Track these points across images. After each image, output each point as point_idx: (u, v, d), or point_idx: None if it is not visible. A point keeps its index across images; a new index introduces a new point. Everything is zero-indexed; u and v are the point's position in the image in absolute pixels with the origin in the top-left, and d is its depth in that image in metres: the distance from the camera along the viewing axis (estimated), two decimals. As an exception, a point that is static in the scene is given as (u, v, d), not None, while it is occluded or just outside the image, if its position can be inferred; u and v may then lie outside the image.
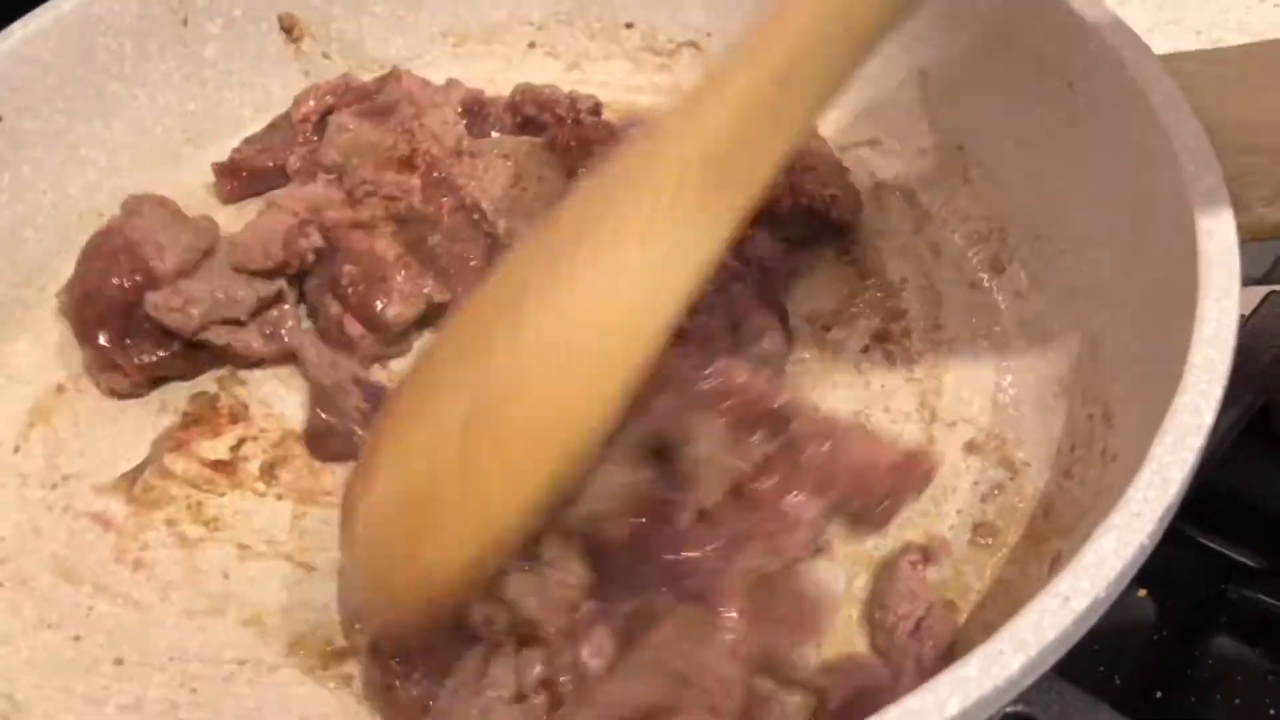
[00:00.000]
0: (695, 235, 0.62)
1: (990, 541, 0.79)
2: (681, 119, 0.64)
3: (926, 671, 0.71)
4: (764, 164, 0.64)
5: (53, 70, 1.01)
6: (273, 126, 1.10)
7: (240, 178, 1.07)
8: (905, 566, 0.77)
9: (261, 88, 1.13)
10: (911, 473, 0.77)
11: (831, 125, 1.06)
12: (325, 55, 1.14)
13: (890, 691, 0.70)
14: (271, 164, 1.06)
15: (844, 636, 0.76)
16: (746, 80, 0.63)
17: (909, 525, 0.80)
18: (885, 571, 0.78)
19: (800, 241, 0.95)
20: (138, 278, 0.92)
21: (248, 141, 1.09)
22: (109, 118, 1.06)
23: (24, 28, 0.99)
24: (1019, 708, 0.72)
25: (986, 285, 0.93)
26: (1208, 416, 0.63)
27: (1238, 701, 0.83)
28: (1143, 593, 0.89)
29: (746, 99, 0.63)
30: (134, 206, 0.97)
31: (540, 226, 0.65)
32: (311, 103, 1.07)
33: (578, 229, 0.63)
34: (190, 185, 1.07)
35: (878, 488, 0.77)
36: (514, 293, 0.63)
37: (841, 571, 0.79)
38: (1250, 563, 0.90)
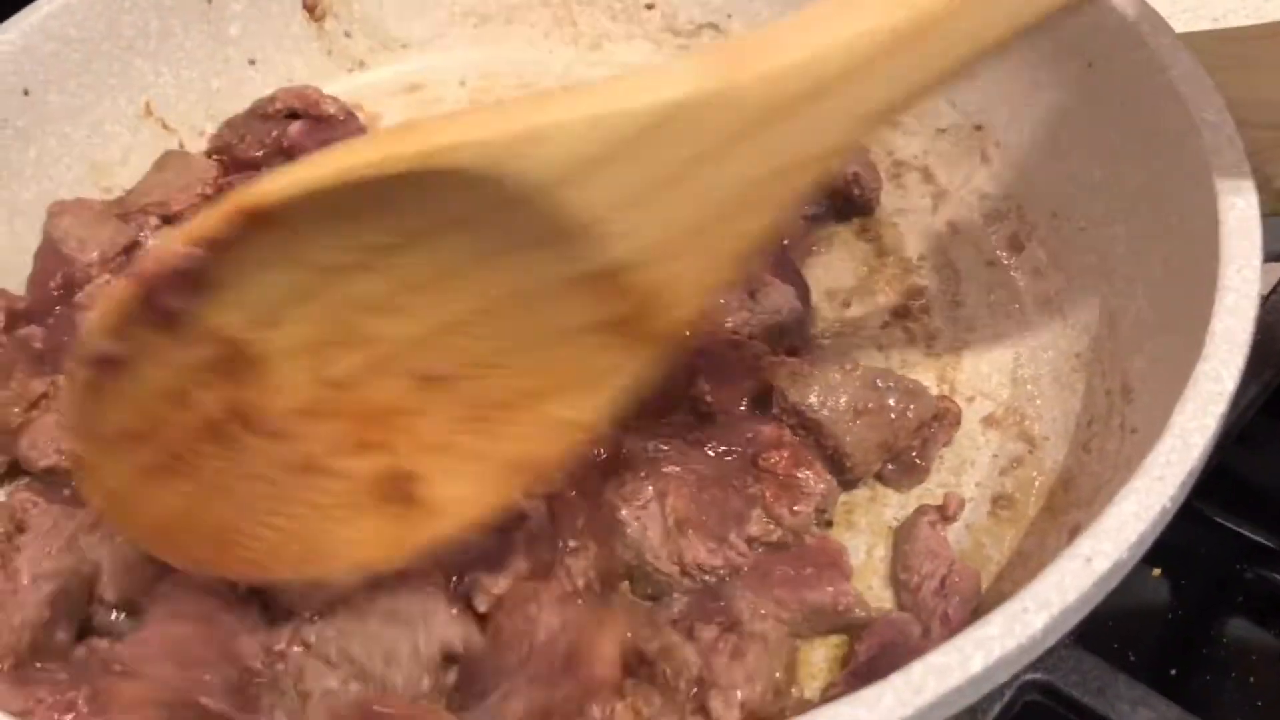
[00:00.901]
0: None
1: (1009, 514, 0.80)
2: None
3: (954, 627, 0.71)
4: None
5: (79, 45, 1.02)
6: (252, 113, 1.10)
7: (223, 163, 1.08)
8: (924, 527, 0.77)
9: (284, 66, 1.13)
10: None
11: (851, 105, 1.07)
12: (347, 34, 1.15)
13: (919, 646, 0.71)
14: (249, 153, 1.06)
15: (873, 600, 0.77)
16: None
17: (928, 497, 0.81)
18: (904, 534, 0.79)
19: (820, 218, 0.96)
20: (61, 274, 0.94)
21: (230, 125, 1.10)
22: (134, 94, 1.07)
23: (51, 3, 1.00)
24: (1038, 675, 0.73)
25: (1005, 263, 0.94)
26: (1229, 384, 0.64)
27: (1252, 681, 0.84)
28: (1157, 572, 0.89)
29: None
30: (55, 210, 0.98)
31: None
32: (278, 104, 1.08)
33: None
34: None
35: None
36: None
37: (862, 542, 0.79)
38: (1266, 543, 0.90)
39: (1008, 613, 0.57)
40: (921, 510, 0.79)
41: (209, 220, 0.52)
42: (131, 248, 0.97)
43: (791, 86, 0.51)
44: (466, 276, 0.54)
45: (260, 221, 0.51)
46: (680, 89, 0.50)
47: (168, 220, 0.99)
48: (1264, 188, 0.76)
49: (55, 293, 0.94)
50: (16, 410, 0.86)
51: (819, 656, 0.75)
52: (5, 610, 0.70)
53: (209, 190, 1.02)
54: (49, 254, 0.96)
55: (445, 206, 0.51)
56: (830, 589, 0.74)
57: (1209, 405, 0.63)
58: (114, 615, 0.74)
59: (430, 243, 0.52)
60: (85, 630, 0.74)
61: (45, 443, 0.84)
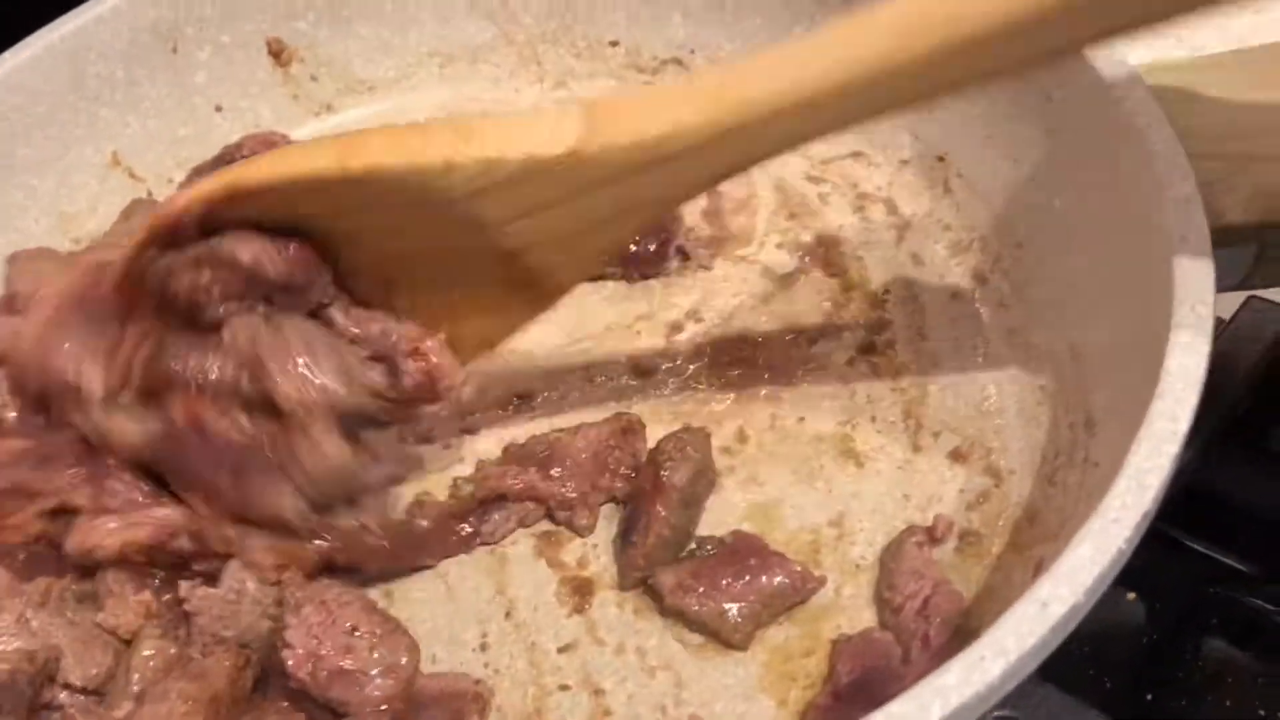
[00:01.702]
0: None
1: (975, 549, 0.80)
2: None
3: (935, 650, 0.72)
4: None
5: (44, 98, 1.03)
6: (220, 160, 1.09)
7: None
8: (911, 547, 0.78)
9: (251, 111, 1.14)
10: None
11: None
12: (313, 78, 1.15)
13: (900, 669, 0.71)
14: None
15: (853, 620, 0.78)
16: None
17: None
18: (891, 553, 0.79)
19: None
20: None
21: (197, 172, 1.09)
22: (100, 143, 1.07)
23: (15, 56, 1.01)
24: (1005, 712, 0.73)
25: (969, 295, 0.94)
26: (1183, 424, 0.64)
27: (1228, 704, 0.84)
28: (1131, 596, 0.89)
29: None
30: (14, 258, 0.99)
31: None
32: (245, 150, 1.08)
33: None
34: (182, 209, 1.08)
35: None
36: None
37: (831, 581, 0.79)
38: (1238, 566, 0.90)
39: (965, 661, 0.57)
40: (910, 531, 0.80)
41: (206, 188, 0.71)
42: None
43: (638, 157, 0.66)
44: (407, 232, 0.72)
45: (245, 194, 0.70)
46: (548, 148, 0.66)
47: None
48: (1219, 217, 0.77)
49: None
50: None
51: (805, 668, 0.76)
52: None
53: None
54: (5, 303, 0.96)
55: (385, 194, 0.69)
56: (780, 571, 0.77)
57: (1163, 445, 0.63)
58: (80, 698, 0.73)
59: (378, 208, 0.70)
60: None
61: None
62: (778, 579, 0.77)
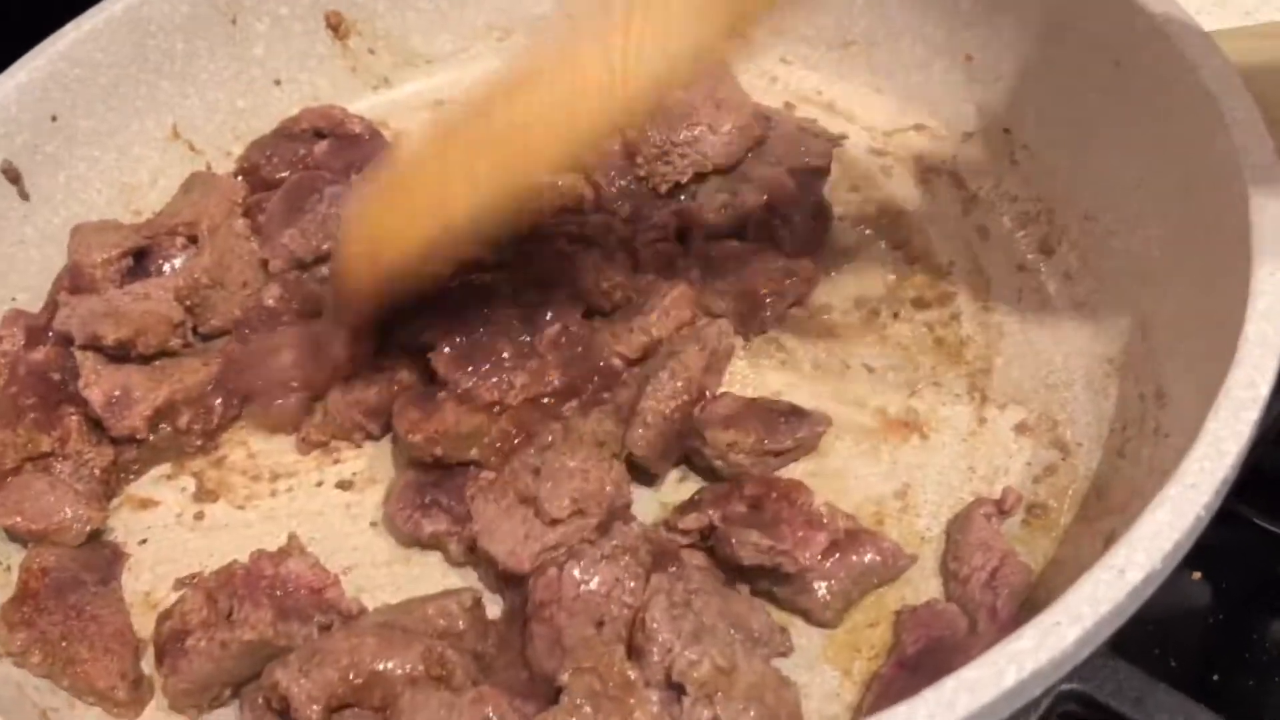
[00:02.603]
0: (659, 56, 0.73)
1: (1043, 522, 0.79)
2: None
3: (1002, 622, 0.71)
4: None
5: (105, 70, 1.03)
6: (279, 134, 1.10)
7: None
8: (979, 519, 0.77)
9: (309, 84, 1.14)
10: None
11: (878, 111, 1.06)
12: (371, 51, 1.15)
13: (965, 643, 0.70)
14: (276, 174, 1.06)
15: (918, 592, 0.77)
16: None
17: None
18: (958, 525, 0.78)
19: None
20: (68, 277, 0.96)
21: (256, 145, 1.10)
22: (161, 115, 1.08)
23: (77, 29, 1.01)
24: (1074, 685, 0.71)
25: (1036, 267, 0.93)
26: (1263, 389, 0.63)
27: (1297, 685, 0.83)
28: (1197, 575, 0.88)
29: None
30: (75, 229, 0.99)
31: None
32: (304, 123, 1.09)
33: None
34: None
35: None
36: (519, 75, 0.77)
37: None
38: (1307, 547, 0.89)
39: (1040, 625, 0.56)
40: (978, 503, 0.79)
41: None
42: (139, 253, 0.97)
43: None
44: None
45: None
46: None
47: (193, 240, 0.99)
48: (1296, 186, 0.75)
49: (64, 297, 0.94)
50: (11, 456, 0.87)
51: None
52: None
53: (238, 208, 1.03)
54: (71, 272, 0.97)
55: None
56: (871, 548, 0.75)
57: (1242, 411, 0.62)
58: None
59: None
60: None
61: (14, 504, 0.84)
62: (868, 556, 0.76)
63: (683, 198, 0.99)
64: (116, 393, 0.89)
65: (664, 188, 0.98)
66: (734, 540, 0.74)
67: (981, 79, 1.00)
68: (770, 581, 0.76)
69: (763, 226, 0.95)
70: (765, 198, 0.96)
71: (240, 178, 1.07)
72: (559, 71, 0.75)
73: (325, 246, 0.96)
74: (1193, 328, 0.76)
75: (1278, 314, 0.66)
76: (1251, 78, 0.76)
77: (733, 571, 0.77)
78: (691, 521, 0.77)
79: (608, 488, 0.77)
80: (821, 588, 0.74)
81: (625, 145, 1.00)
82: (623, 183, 0.99)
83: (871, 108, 1.06)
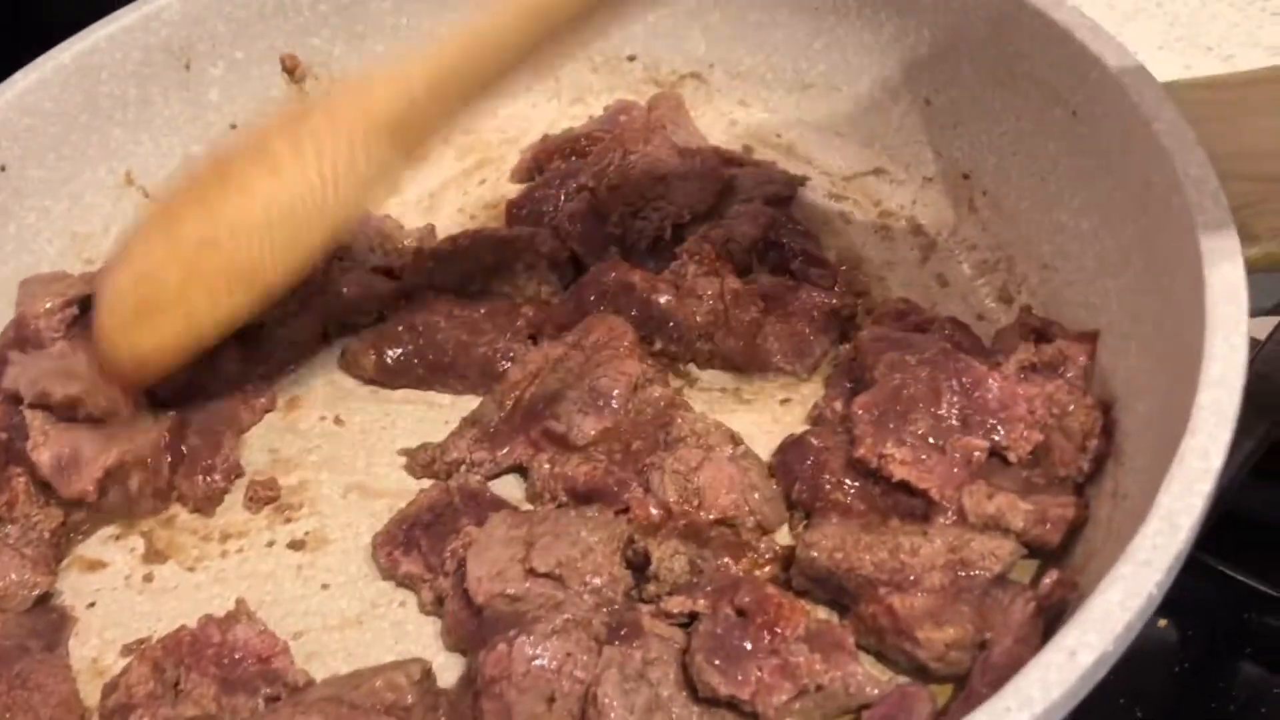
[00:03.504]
0: (361, 175, 0.83)
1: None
2: (374, 84, 0.84)
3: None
4: (426, 138, 0.86)
5: (55, 119, 1.02)
6: None
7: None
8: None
9: (265, 129, 1.12)
10: None
11: (836, 155, 1.06)
12: (327, 95, 1.13)
13: None
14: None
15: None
16: (435, 64, 0.82)
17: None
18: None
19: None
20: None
21: None
22: (114, 163, 1.06)
23: (25, 78, 1.00)
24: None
25: (995, 317, 0.92)
26: (1216, 460, 0.62)
27: (1265, 731, 0.82)
28: (1164, 623, 0.87)
29: (430, 81, 0.82)
30: (24, 282, 0.99)
31: (271, 125, 0.86)
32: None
33: (291, 144, 0.83)
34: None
35: None
36: (245, 167, 0.84)
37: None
38: (1273, 591, 0.88)
39: (990, 712, 0.55)
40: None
41: None
42: (83, 300, 0.95)
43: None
44: None
45: None
46: None
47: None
48: (1250, 242, 0.75)
49: (5, 352, 0.93)
50: None
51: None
52: None
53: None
54: (15, 324, 0.95)
55: None
56: (838, 673, 0.71)
57: (1195, 483, 0.61)
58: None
59: None
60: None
61: None
62: (836, 690, 0.71)
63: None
64: (65, 452, 0.87)
65: (643, 244, 0.97)
66: (694, 673, 0.71)
67: (940, 123, 1.00)
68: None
69: (782, 262, 0.95)
70: (759, 230, 0.95)
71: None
72: (257, 179, 0.83)
73: None
74: (1149, 386, 0.75)
75: (1231, 381, 0.65)
76: (1204, 133, 0.76)
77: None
78: (677, 604, 0.75)
79: (598, 578, 0.76)
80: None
81: (593, 207, 0.99)
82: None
83: (830, 151, 1.06)
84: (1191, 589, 0.79)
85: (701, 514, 0.79)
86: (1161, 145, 0.76)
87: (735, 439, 0.83)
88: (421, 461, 0.89)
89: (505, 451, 0.87)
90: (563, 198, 1.02)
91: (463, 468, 0.88)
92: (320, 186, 0.83)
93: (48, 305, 0.95)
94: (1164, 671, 0.87)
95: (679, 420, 0.84)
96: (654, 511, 0.80)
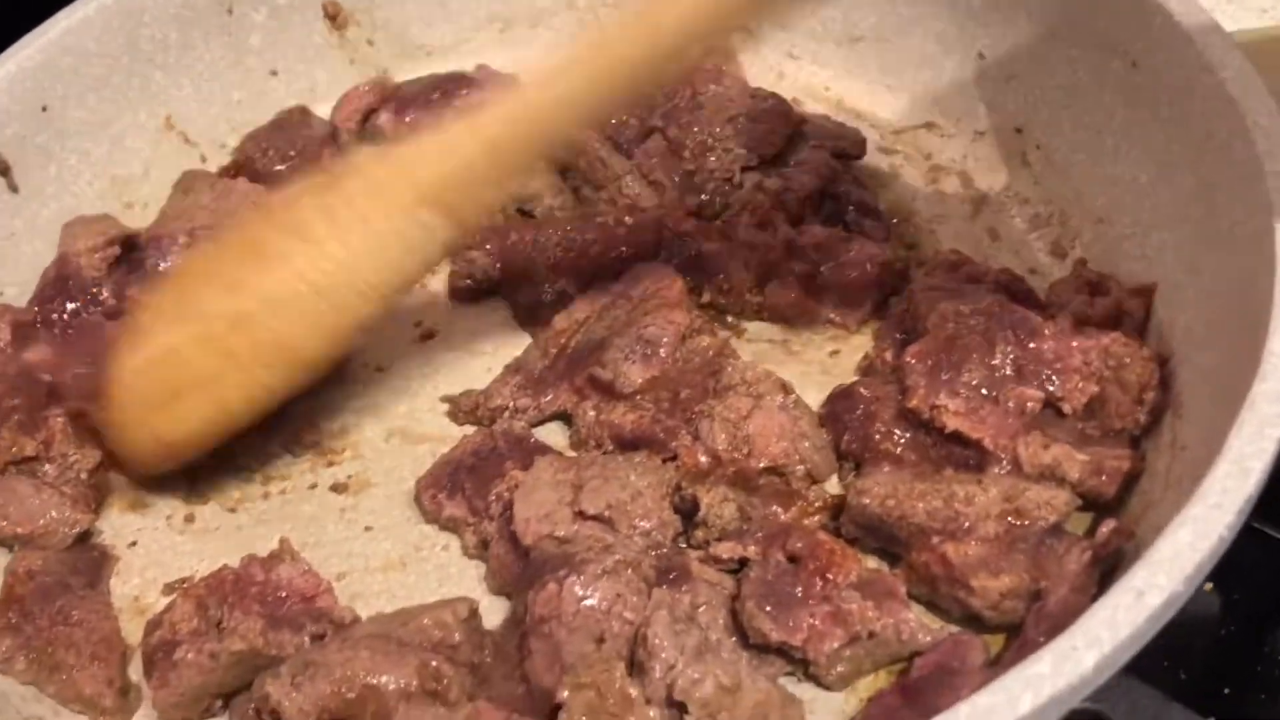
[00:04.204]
0: (406, 244, 0.80)
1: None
2: (421, 148, 0.80)
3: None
4: (477, 206, 0.83)
5: (97, 60, 1.01)
6: (276, 125, 1.09)
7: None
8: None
9: (306, 76, 1.12)
10: None
11: (886, 109, 1.04)
12: (370, 42, 1.13)
13: (974, 674, 0.68)
14: (276, 167, 1.06)
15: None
16: (492, 126, 0.78)
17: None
18: None
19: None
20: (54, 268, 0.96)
21: (252, 137, 1.08)
22: (154, 107, 1.05)
23: (69, 17, 0.99)
24: (1087, 704, 0.69)
25: (1048, 271, 0.91)
26: (1289, 404, 0.61)
27: (1309, 700, 0.81)
28: (1209, 587, 0.86)
29: (487, 143, 0.78)
30: (68, 224, 0.99)
31: (303, 193, 0.83)
32: (354, 104, 1.07)
33: (325, 213, 0.80)
34: (236, 174, 1.06)
35: None
36: (277, 238, 0.81)
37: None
38: (1319, 558, 0.87)
39: (1057, 650, 0.54)
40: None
41: None
42: (125, 240, 0.96)
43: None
44: None
45: None
46: None
47: (195, 240, 0.98)
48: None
49: (49, 291, 0.93)
50: None
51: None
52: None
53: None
54: (57, 264, 0.95)
55: None
56: (890, 620, 0.71)
57: (1267, 428, 0.60)
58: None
59: None
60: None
61: None
62: (889, 636, 0.71)
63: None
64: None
65: (711, 185, 0.96)
66: (745, 619, 0.71)
67: (993, 77, 0.98)
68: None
69: (837, 213, 0.94)
70: (819, 182, 0.94)
71: (233, 175, 1.05)
72: (293, 249, 0.79)
73: None
74: (1210, 337, 0.74)
75: (1303, 327, 0.64)
76: (1272, 82, 0.74)
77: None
78: (726, 550, 0.75)
79: (647, 522, 0.76)
80: (830, 673, 0.71)
81: (669, 142, 0.98)
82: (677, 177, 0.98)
83: (880, 105, 1.05)
84: (1237, 553, 0.78)
85: (751, 462, 0.79)
86: (1228, 94, 0.75)
87: (786, 387, 0.82)
88: (464, 407, 0.89)
89: (549, 398, 0.86)
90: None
91: (506, 414, 0.87)
92: (361, 256, 0.79)
93: (89, 244, 0.94)
94: (1208, 636, 0.85)
95: (729, 368, 0.83)
96: (703, 459, 0.79)
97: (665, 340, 0.84)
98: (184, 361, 0.81)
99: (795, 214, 0.93)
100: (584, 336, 0.87)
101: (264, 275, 0.80)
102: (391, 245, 0.79)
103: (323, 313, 0.79)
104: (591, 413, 0.84)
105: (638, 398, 0.83)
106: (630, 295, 0.88)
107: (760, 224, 0.91)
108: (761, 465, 0.79)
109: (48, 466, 0.86)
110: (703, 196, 0.96)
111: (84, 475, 0.86)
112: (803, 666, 0.72)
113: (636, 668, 0.68)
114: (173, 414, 0.82)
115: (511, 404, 0.87)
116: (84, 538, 0.84)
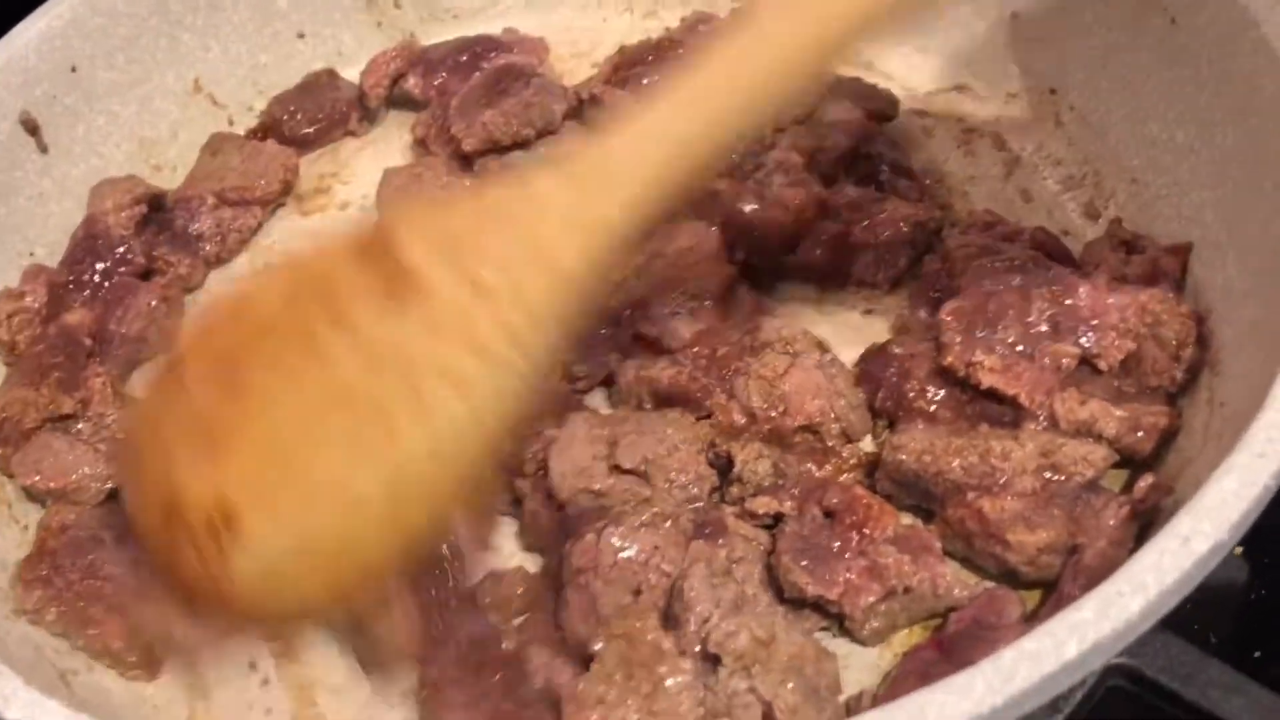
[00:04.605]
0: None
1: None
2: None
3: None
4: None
5: (126, 20, 1.01)
6: (303, 88, 1.09)
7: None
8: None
9: (333, 39, 1.12)
10: None
11: (918, 71, 1.04)
12: (397, 5, 1.12)
13: (1009, 628, 0.68)
14: (303, 130, 1.06)
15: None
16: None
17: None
18: None
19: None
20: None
21: (279, 100, 1.08)
22: (182, 69, 1.05)
23: (98, -23, 0.99)
24: (1122, 659, 0.69)
25: (1081, 232, 0.90)
26: (1332, 357, 0.61)
27: (1339, 663, 0.80)
28: (1238, 551, 0.85)
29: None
30: (96, 187, 0.99)
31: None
32: (382, 70, 1.07)
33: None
34: (263, 137, 1.06)
35: None
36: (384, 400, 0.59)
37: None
38: (1350, 521, 0.86)
39: (1102, 596, 0.54)
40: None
41: None
42: (151, 199, 0.96)
43: None
44: None
45: None
46: None
47: (224, 202, 0.98)
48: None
49: (79, 252, 0.94)
50: (32, 415, 0.85)
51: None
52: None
53: (290, 176, 1.02)
54: (86, 225, 0.96)
55: None
56: (926, 574, 0.70)
57: (1312, 378, 0.60)
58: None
59: None
60: None
61: (33, 463, 0.83)
62: (925, 591, 0.71)
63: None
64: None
65: (742, 144, 0.94)
66: (781, 573, 0.71)
67: (1026, 37, 0.97)
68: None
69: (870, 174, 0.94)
70: (853, 141, 0.94)
71: (260, 136, 1.06)
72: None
73: (525, 131, 0.98)
74: (1249, 294, 0.74)
75: (1346, 278, 0.63)
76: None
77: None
78: (762, 505, 0.74)
79: (684, 475, 0.75)
80: (865, 627, 0.71)
81: None
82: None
83: (912, 67, 1.04)
84: (1266, 517, 0.77)
85: (786, 420, 0.78)
86: (1271, 48, 0.74)
87: (822, 346, 0.81)
88: None
89: (597, 362, 0.85)
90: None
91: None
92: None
93: (115, 202, 0.95)
94: (1238, 599, 0.85)
95: (764, 326, 0.82)
96: (738, 417, 0.79)
97: (710, 293, 0.84)
98: (342, 534, 0.60)
99: (829, 174, 0.92)
100: (624, 295, 0.86)
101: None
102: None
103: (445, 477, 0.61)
104: (632, 371, 0.83)
105: (679, 354, 0.83)
106: (666, 252, 0.88)
107: (794, 183, 0.90)
108: (797, 424, 0.78)
109: (82, 424, 0.86)
110: (733, 156, 0.95)
111: (119, 434, 0.86)
112: (838, 621, 0.72)
113: (671, 620, 0.68)
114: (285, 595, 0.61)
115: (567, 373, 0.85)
116: (115, 494, 0.84)
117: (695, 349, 0.82)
